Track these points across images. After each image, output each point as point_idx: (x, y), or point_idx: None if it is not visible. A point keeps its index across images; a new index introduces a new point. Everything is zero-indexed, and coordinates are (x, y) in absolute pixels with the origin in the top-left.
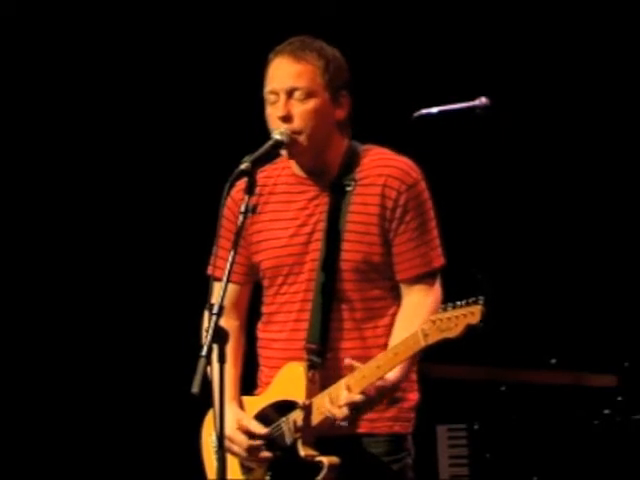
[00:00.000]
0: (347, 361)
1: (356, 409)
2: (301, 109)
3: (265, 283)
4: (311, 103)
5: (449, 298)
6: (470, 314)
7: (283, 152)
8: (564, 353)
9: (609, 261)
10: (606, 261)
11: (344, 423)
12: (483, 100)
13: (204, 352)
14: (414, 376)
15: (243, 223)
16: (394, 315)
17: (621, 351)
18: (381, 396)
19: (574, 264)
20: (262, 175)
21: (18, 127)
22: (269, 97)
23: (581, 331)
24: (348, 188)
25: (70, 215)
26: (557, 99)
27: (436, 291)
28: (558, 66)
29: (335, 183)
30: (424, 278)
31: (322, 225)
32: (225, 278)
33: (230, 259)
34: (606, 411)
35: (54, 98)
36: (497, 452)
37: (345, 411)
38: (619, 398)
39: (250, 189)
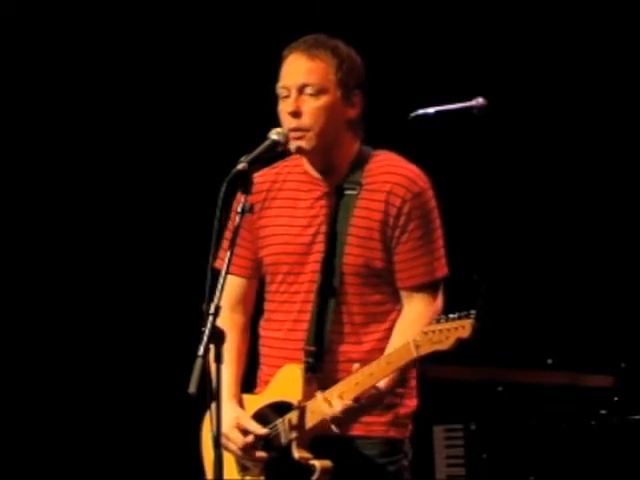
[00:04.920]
0: (356, 366)
1: (349, 415)
2: (311, 105)
3: (267, 280)
4: (321, 100)
5: (448, 300)
6: (461, 327)
7: (292, 148)
8: (561, 353)
9: (606, 262)
10: (603, 262)
11: (337, 428)
12: (480, 100)
13: (201, 352)
14: (413, 382)
15: (240, 223)
16: (394, 320)
17: (618, 351)
18: (373, 403)
19: (571, 265)
20: (273, 171)
21: (18, 127)
22: (281, 92)
23: (578, 331)
24: (353, 192)
25: (70, 215)
26: (554, 99)
27: (437, 301)
28: (555, 66)
29: (341, 185)
30: (426, 288)
31: (325, 227)
32: (222, 277)
33: (227, 257)
34: (603, 411)
35: (54, 98)
36: (494, 452)
37: (339, 417)
38: (615, 399)
39: (247, 189)
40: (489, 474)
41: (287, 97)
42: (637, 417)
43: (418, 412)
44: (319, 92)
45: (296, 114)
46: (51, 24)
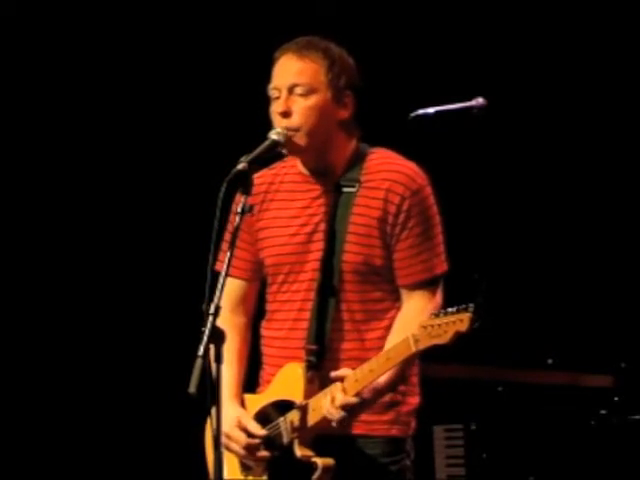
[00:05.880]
0: (343, 372)
1: (350, 411)
2: (301, 105)
3: (268, 280)
4: (311, 100)
5: (449, 299)
6: (459, 321)
7: (284, 150)
8: (561, 353)
9: (606, 262)
10: (603, 262)
11: (339, 425)
12: (480, 100)
13: (201, 352)
14: (415, 380)
15: (239, 223)
16: (394, 318)
17: (618, 351)
18: (374, 398)
19: (571, 265)
20: (270, 172)
21: (18, 127)
22: (272, 93)
23: (578, 331)
24: (352, 190)
25: (70, 215)
26: (554, 99)
27: (437, 297)
28: (555, 66)
29: (339, 184)
30: (425, 284)
31: (324, 225)
32: (222, 277)
33: (227, 258)
34: (602, 411)
35: (54, 98)
36: (494, 452)
37: (340, 413)
38: (615, 399)
39: (246, 189)
40: (489, 474)
41: (278, 98)
42: (637, 417)
43: (418, 412)
44: (309, 92)
45: (286, 114)
46: (51, 24)
